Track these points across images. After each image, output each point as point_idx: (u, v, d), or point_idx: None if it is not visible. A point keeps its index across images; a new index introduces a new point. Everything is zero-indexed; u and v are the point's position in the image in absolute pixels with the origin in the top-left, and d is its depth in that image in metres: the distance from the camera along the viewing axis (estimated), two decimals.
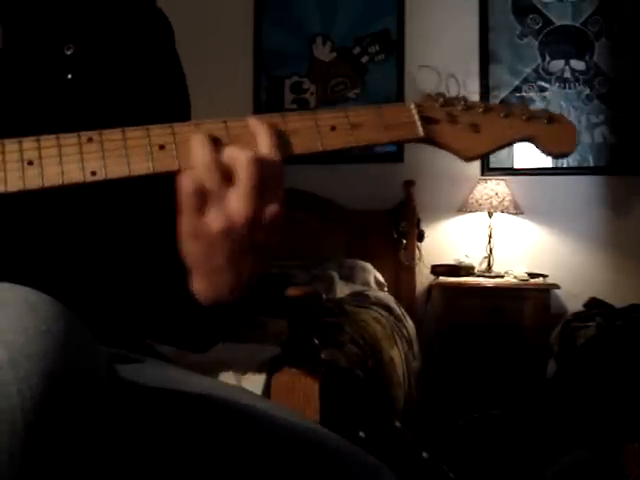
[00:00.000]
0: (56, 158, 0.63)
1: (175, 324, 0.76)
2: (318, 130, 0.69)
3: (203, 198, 0.62)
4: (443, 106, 0.73)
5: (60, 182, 0.63)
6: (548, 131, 0.74)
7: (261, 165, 0.62)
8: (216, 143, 0.64)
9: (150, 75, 0.85)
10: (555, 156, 0.76)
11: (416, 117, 0.71)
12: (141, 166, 0.64)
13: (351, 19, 3.80)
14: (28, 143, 0.63)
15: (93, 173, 0.63)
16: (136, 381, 0.64)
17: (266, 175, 0.62)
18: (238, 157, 0.62)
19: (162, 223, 0.76)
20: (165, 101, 0.86)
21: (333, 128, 0.69)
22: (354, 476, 0.63)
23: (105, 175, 0.64)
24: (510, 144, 0.75)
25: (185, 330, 0.77)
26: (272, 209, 0.63)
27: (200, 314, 0.71)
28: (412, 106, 0.72)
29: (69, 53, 0.78)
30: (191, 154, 0.63)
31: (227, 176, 0.62)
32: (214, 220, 0.62)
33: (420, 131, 0.71)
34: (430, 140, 0.72)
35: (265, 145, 0.64)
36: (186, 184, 0.62)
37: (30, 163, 0.63)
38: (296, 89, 3.85)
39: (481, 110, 0.73)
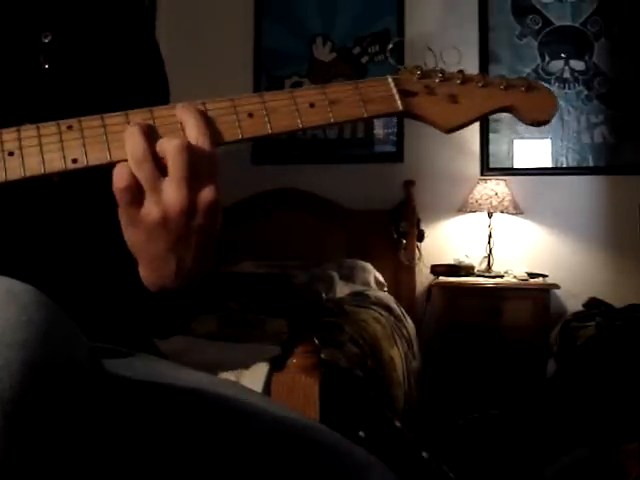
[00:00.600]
0: (36, 148, 0.63)
1: (134, 312, 0.77)
2: (297, 108, 0.69)
3: (137, 190, 0.62)
4: (421, 78, 0.73)
5: (41, 171, 0.63)
6: (527, 100, 0.74)
7: (190, 153, 0.62)
8: (151, 133, 0.63)
9: (128, 62, 0.85)
10: (534, 124, 0.76)
11: (394, 90, 0.71)
12: (122, 151, 0.64)
13: (351, 19, 3.80)
14: (8, 134, 0.63)
15: (74, 161, 0.63)
16: (122, 375, 0.64)
17: (196, 162, 0.63)
18: (167, 147, 0.62)
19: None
20: (144, 88, 0.86)
21: (312, 105, 0.69)
22: (353, 474, 0.63)
23: (86, 162, 0.64)
24: (489, 114, 0.75)
25: (143, 317, 0.78)
26: (206, 196, 0.63)
27: (149, 301, 0.72)
28: (389, 79, 0.72)
29: (46, 41, 0.77)
30: (127, 147, 0.63)
31: (161, 167, 0.63)
32: (150, 210, 0.63)
33: (399, 104, 0.71)
34: (409, 113, 0.72)
35: (192, 133, 0.64)
36: (119, 177, 0.62)
37: (11, 154, 0.63)
38: None
39: (459, 81, 0.73)
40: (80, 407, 0.46)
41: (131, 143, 0.63)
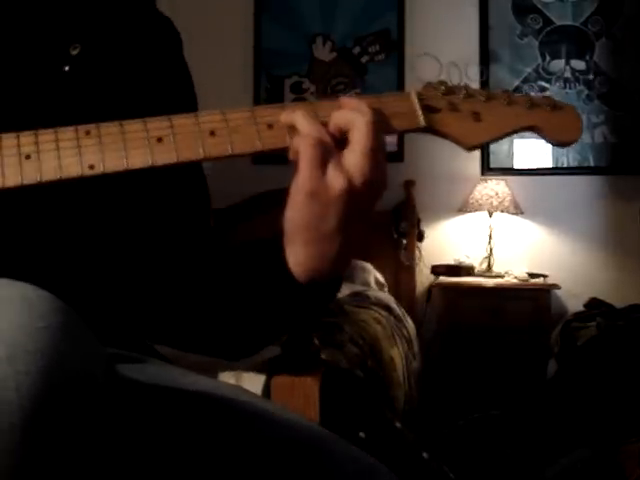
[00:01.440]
0: (54, 152, 0.63)
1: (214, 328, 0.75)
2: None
3: (323, 155, 0.62)
4: (444, 94, 0.71)
5: (58, 176, 0.62)
6: (551, 119, 0.73)
7: (376, 128, 0.63)
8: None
9: (154, 80, 0.85)
10: (559, 145, 0.75)
11: (417, 106, 0.70)
12: (139, 159, 0.64)
13: (351, 19, 3.80)
14: (26, 137, 0.63)
15: (91, 167, 0.63)
16: (137, 379, 0.64)
17: (380, 138, 0.64)
18: (356, 119, 0.63)
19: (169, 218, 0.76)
20: (170, 106, 0.85)
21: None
22: (352, 477, 0.63)
23: (103, 169, 0.63)
24: (513, 133, 0.73)
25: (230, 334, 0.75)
26: (383, 173, 0.64)
27: (285, 293, 0.69)
28: (413, 95, 0.71)
29: (74, 53, 0.77)
30: (298, 125, 0.64)
31: (339, 138, 0.64)
32: (334, 178, 0.62)
33: (421, 121, 0.69)
34: (431, 129, 0.71)
35: (371, 115, 0.65)
36: (306, 141, 0.63)
37: (28, 157, 0.62)
38: (296, 89, 3.84)
39: (483, 98, 0.72)
40: (96, 415, 0.46)
41: (304, 121, 0.64)
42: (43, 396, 0.43)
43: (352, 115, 0.64)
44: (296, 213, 0.65)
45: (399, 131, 0.70)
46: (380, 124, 0.65)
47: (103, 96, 0.78)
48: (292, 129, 0.65)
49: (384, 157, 0.65)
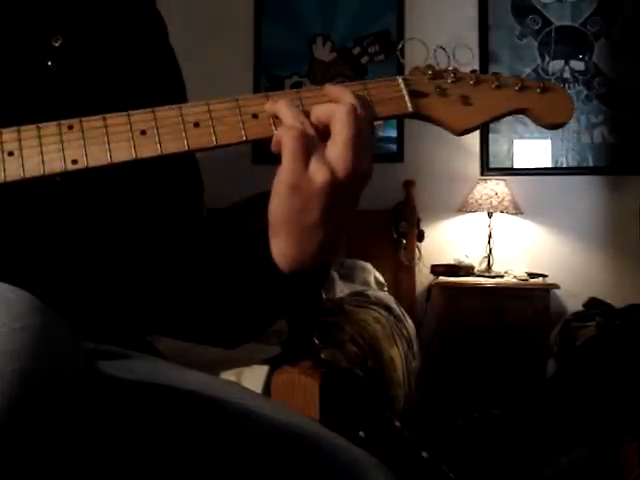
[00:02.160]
0: (36, 148, 0.62)
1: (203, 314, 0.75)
2: (302, 110, 0.67)
3: (306, 148, 0.62)
4: (432, 79, 0.70)
5: (41, 172, 0.62)
6: (542, 101, 0.71)
7: (357, 117, 0.63)
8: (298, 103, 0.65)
9: (140, 69, 0.83)
10: (551, 127, 0.73)
11: (404, 91, 0.69)
12: (122, 153, 0.63)
13: (351, 19, 3.80)
14: (8, 134, 0.62)
15: (74, 162, 0.62)
16: (120, 377, 0.63)
17: (362, 127, 0.63)
18: (336, 110, 0.63)
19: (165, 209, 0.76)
20: (157, 94, 0.84)
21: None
22: (351, 476, 0.62)
23: (86, 163, 0.63)
24: (503, 116, 0.72)
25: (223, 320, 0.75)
26: (367, 164, 0.64)
27: (271, 283, 0.69)
28: (400, 80, 0.70)
29: (57, 45, 0.76)
30: (281, 115, 0.64)
31: (322, 130, 0.63)
32: (317, 171, 0.62)
33: (409, 106, 0.69)
34: (419, 115, 0.70)
35: (353, 101, 0.64)
36: (289, 133, 0.62)
37: (10, 154, 0.62)
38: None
39: (472, 82, 0.71)
40: (74, 415, 0.46)
41: (287, 112, 0.64)
42: (18, 397, 0.42)
43: (332, 107, 0.64)
44: (278, 206, 0.65)
45: (385, 117, 0.70)
46: (363, 112, 0.64)
47: (88, 89, 0.77)
48: (276, 119, 0.65)
49: (368, 146, 0.64)
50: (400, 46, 0.71)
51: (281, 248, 0.67)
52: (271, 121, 0.66)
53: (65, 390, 0.45)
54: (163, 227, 0.82)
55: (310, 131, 0.63)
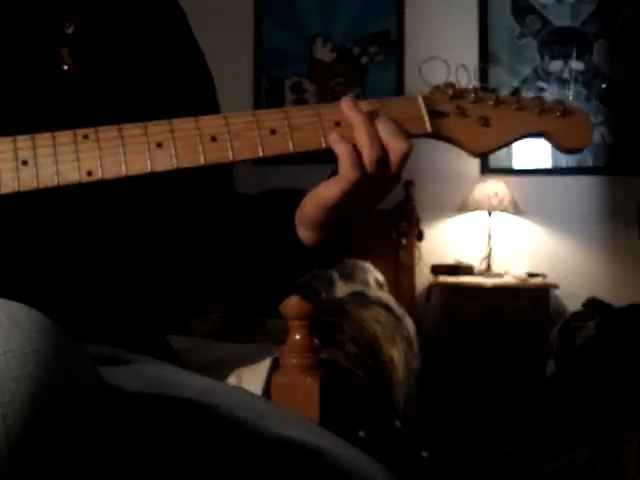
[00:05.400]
0: (51, 157, 0.61)
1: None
2: (322, 126, 0.68)
3: (363, 169, 0.66)
4: (452, 98, 0.69)
5: (55, 183, 0.61)
6: (561, 125, 0.70)
7: (406, 157, 0.67)
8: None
9: (162, 60, 0.80)
10: (568, 152, 0.72)
11: (424, 112, 0.68)
12: (138, 166, 0.62)
13: (351, 19, 3.80)
14: (22, 142, 0.61)
15: (89, 173, 0.62)
16: (126, 384, 0.62)
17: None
18: (398, 148, 0.66)
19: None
20: (182, 89, 0.80)
21: (337, 124, 0.68)
22: (351, 477, 0.62)
23: (101, 175, 0.62)
24: (522, 138, 0.71)
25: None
26: (404, 147, 0.68)
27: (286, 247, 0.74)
28: (420, 99, 0.69)
29: (69, 32, 0.74)
30: (347, 116, 0.66)
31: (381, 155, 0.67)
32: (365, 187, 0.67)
33: (428, 126, 0.68)
34: (437, 135, 0.69)
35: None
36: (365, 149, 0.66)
37: (25, 163, 0.60)
38: (296, 89, 3.85)
39: (492, 102, 0.70)
40: (87, 433, 0.45)
41: (364, 129, 0.66)
42: (30, 424, 0.42)
43: (396, 145, 0.68)
44: (325, 213, 0.68)
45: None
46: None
47: (105, 86, 0.74)
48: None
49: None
50: (420, 67, 0.71)
51: (306, 237, 0.73)
52: (298, 135, 0.67)
53: (77, 410, 0.45)
54: (195, 197, 0.83)
55: (371, 154, 0.67)
